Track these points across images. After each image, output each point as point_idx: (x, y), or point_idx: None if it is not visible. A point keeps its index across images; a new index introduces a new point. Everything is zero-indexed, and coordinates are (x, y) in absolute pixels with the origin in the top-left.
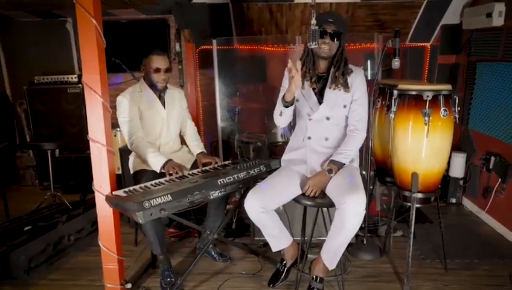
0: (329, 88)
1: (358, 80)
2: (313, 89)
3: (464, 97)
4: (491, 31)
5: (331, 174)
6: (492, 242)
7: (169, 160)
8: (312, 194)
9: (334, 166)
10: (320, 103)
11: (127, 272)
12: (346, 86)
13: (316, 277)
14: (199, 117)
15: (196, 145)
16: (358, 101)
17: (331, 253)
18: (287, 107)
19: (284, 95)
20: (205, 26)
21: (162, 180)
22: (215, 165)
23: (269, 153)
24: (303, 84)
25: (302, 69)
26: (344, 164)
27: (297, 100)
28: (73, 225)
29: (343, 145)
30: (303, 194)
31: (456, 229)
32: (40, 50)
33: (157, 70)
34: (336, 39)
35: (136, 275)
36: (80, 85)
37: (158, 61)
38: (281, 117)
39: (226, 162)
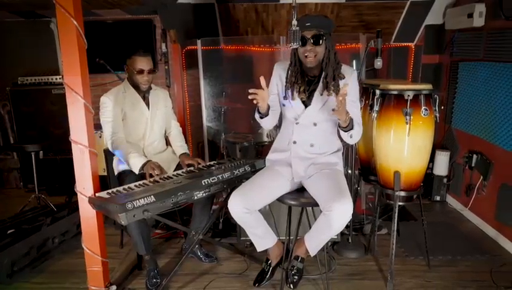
0: (320, 94)
1: (350, 83)
2: (301, 99)
3: (448, 96)
4: (473, 31)
5: (347, 118)
6: (474, 239)
7: (149, 161)
8: (338, 102)
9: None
10: (307, 107)
11: (112, 274)
12: (338, 92)
13: (298, 256)
14: (186, 117)
15: (180, 146)
16: (351, 103)
17: (314, 243)
18: (262, 118)
19: (258, 107)
20: (191, 27)
21: (146, 181)
22: (199, 166)
23: (255, 152)
24: (292, 94)
25: (290, 79)
26: (346, 127)
27: (283, 104)
28: (58, 227)
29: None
30: (288, 193)
31: (439, 226)
32: (23, 50)
33: (141, 71)
34: (319, 42)
35: (122, 276)
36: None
37: (141, 63)
38: (262, 122)
39: (211, 162)
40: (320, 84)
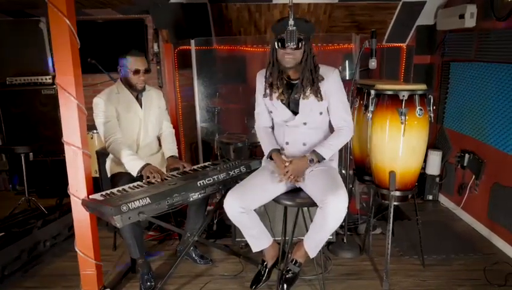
0: (302, 98)
1: (332, 83)
2: (281, 100)
3: (439, 96)
4: (464, 31)
5: (311, 164)
6: (467, 237)
7: (147, 164)
8: (290, 180)
9: (315, 157)
10: (294, 112)
11: (106, 277)
12: (317, 95)
13: (296, 260)
14: (178, 118)
15: (169, 149)
16: (337, 103)
17: (313, 244)
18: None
19: (270, 153)
20: (183, 27)
21: (140, 183)
22: (184, 170)
23: (249, 153)
24: (271, 95)
25: (269, 80)
26: (324, 159)
27: (270, 111)
28: (49, 230)
29: (328, 139)
30: (283, 194)
31: (433, 225)
32: (12, 50)
33: (137, 71)
34: (298, 46)
35: (115, 280)
36: (55, 86)
37: (136, 63)
38: None
39: (206, 164)
40: (297, 88)
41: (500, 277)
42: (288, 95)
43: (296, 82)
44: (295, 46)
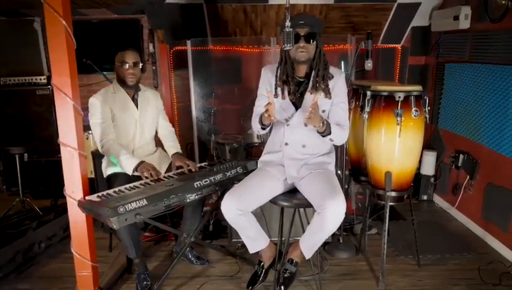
0: (310, 93)
1: (340, 84)
2: (291, 100)
3: (434, 97)
4: (458, 33)
5: (321, 124)
6: (461, 237)
7: (142, 162)
8: (308, 114)
9: (326, 124)
10: (298, 109)
11: (102, 278)
12: (327, 92)
13: (292, 260)
14: (174, 118)
15: (171, 146)
16: (339, 104)
17: (309, 245)
18: (263, 129)
19: (261, 118)
20: (179, 27)
21: (137, 183)
22: (186, 170)
23: (245, 154)
24: (282, 93)
25: (281, 78)
26: (323, 132)
27: None
28: (44, 231)
29: (334, 125)
30: (280, 195)
31: (427, 225)
32: (6, 50)
33: (124, 62)
34: (311, 41)
35: (111, 281)
36: (49, 87)
37: (124, 55)
38: (260, 132)
39: (203, 164)
40: (311, 83)
41: (495, 276)
42: (297, 92)
43: (303, 79)
44: (291, 48)
